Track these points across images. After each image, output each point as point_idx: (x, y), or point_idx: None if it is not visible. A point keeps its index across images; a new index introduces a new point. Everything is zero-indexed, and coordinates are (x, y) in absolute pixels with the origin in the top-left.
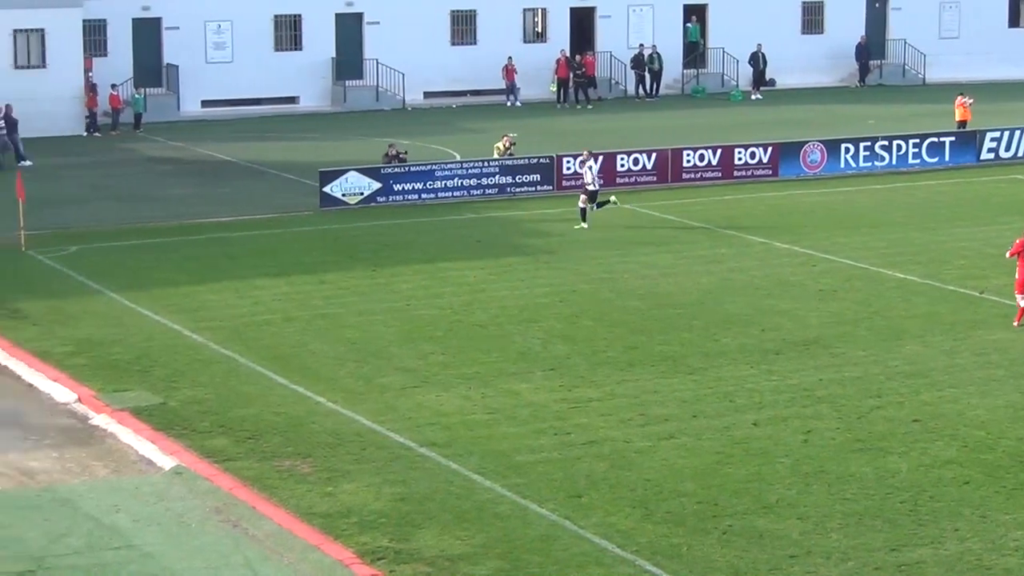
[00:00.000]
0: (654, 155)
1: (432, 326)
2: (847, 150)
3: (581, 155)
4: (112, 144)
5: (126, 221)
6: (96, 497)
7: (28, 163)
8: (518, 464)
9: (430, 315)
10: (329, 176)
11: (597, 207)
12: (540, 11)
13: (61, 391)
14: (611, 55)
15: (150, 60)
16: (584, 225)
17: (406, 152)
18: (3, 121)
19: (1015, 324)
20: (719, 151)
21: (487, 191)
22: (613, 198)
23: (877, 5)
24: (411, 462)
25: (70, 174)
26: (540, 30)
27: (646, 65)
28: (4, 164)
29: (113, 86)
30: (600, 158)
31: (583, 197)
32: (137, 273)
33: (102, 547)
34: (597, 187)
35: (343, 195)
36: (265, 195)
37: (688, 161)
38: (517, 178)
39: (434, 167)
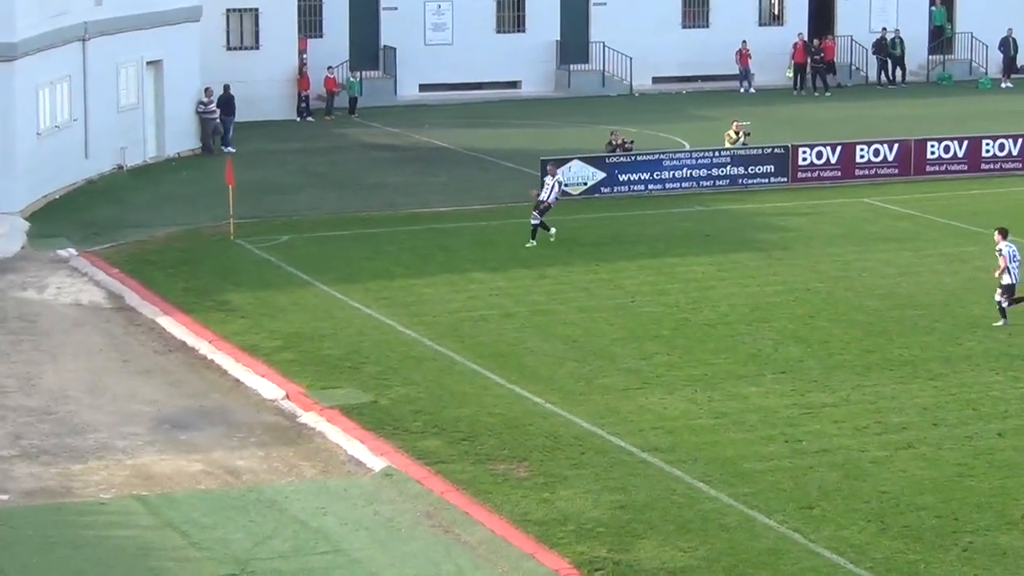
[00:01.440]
0: (896, 146)
1: (657, 324)
2: None
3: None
4: (326, 129)
5: (338, 210)
6: (303, 498)
7: (231, 150)
8: (745, 472)
9: (655, 313)
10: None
11: (540, 223)
12: None
13: (269, 387)
14: (852, 39)
15: (367, 42)
16: (534, 243)
17: (632, 141)
18: (215, 103)
19: None
20: (965, 142)
21: (717, 182)
22: (552, 230)
23: None
24: (632, 468)
25: (282, 160)
26: (777, 12)
27: (888, 50)
28: (214, 149)
29: (329, 68)
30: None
31: (535, 213)
32: (349, 264)
33: (308, 551)
34: (551, 202)
35: (566, 185)
36: (483, 184)
37: (932, 152)
38: (750, 169)
39: (662, 157)
